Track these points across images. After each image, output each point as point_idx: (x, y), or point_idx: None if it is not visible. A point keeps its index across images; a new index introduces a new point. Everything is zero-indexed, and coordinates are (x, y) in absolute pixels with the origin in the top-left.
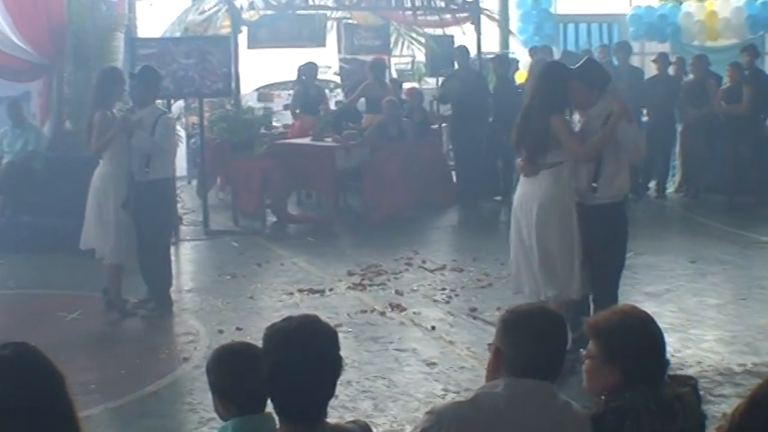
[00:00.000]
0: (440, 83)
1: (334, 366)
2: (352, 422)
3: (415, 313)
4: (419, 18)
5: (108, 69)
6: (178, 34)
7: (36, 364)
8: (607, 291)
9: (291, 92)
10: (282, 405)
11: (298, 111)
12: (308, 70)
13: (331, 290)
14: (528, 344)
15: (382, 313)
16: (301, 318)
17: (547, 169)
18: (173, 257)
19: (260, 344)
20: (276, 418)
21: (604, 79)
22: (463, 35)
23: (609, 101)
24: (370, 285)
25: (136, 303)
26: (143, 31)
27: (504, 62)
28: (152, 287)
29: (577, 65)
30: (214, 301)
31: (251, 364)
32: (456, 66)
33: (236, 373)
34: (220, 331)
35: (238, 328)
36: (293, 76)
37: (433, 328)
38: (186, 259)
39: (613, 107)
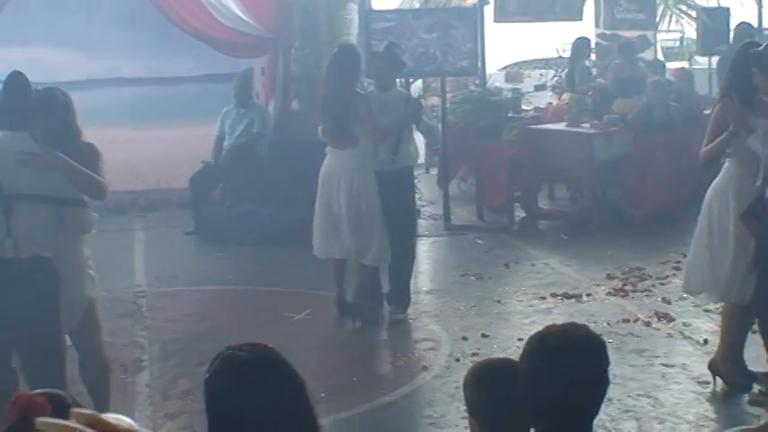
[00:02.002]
0: (715, 63)
1: (600, 383)
2: None
3: (684, 324)
4: None
5: (350, 46)
6: (417, 6)
7: (276, 368)
8: None
9: (543, 71)
10: (542, 426)
11: (564, 93)
12: (581, 47)
13: (588, 295)
14: None
15: (647, 323)
16: (567, 326)
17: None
18: None
19: (508, 351)
20: None
21: None
22: (741, 7)
23: None
24: (633, 291)
25: (370, 307)
26: (378, 3)
27: None
28: (400, 287)
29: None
30: (456, 305)
31: (512, 383)
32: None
33: (497, 395)
34: (464, 338)
35: (484, 335)
36: (545, 54)
37: (706, 341)
38: (425, 257)
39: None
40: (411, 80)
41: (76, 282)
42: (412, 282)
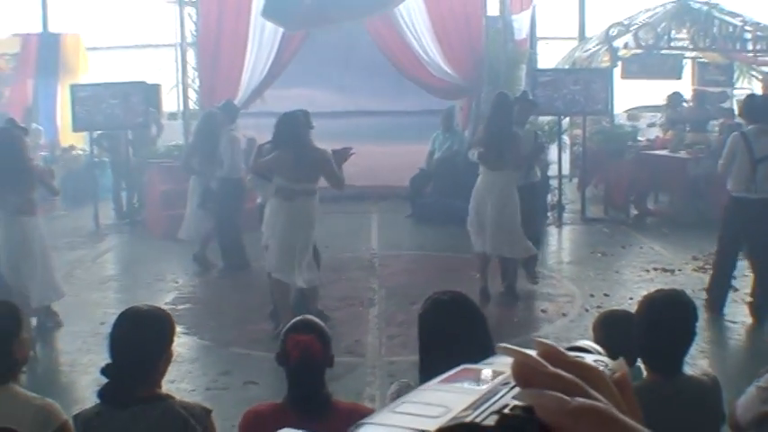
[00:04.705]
0: None
1: (692, 332)
2: (704, 374)
3: (745, 294)
4: (758, 58)
5: (506, 95)
6: (567, 66)
7: (467, 307)
8: None
9: (653, 114)
10: (651, 358)
11: (668, 129)
12: (675, 99)
13: (679, 270)
14: None
15: None
16: (670, 291)
17: None
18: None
19: (622, 306)
20: (643, 370)
21: None
22: None
23: None
24: (710, 268)
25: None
26: (541, 64)
27: None
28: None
29: None
30: (587, 272)
31: (627, 328)
32: None
33: (613, 334)
34: (591, 295)
35: (606, 294)
36: (656, 101)
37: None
38: (566, 238)
39: None
40: (562, 117)
41: None
42: (557, 255)
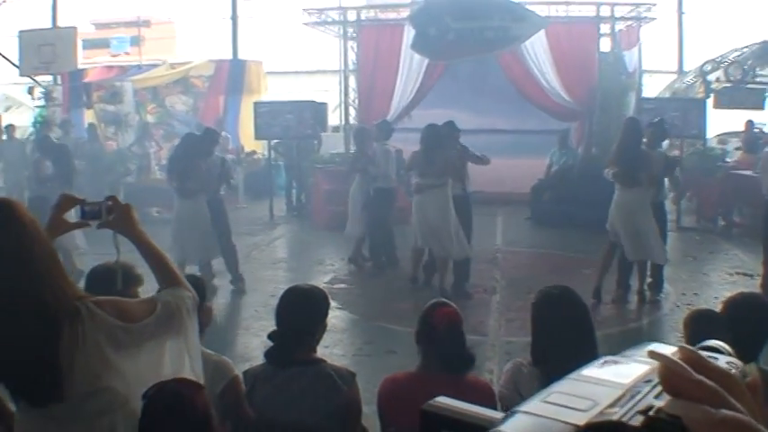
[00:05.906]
0: None
1: (767, 327)
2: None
3: None
4: None
5: (636, 119)
6: (668, 96)
7: (574, 301)
8: None
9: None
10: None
11: (747, 152)
12: (748, 125)
13: (758, 275)
14: None
15: None
16: (750, 293)
17: None
18: None
19: (709, 304)
20: None
21: None
22: None
23: None
24: None
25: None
26: (645, 93)
27: None
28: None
29: None
30: (680, 274)
31: (712, 324)
32: None
33: (702, 330)
34: (683, 294)
35: (695, 293)
36: (741, 128)
37: None
38: None
39: None
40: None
41: None
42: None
